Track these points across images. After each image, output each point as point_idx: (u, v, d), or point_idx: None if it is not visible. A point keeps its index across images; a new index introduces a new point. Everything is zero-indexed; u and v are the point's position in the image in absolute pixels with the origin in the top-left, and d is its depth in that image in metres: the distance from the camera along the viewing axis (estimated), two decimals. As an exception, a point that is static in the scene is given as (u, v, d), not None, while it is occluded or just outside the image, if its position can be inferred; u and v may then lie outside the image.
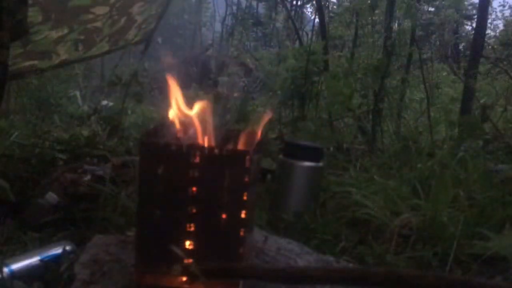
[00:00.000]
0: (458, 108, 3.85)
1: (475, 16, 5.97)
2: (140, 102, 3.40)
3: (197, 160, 1.15)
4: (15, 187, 1.99)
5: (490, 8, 6.23)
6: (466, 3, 9.17)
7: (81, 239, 1.68)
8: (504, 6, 10.78)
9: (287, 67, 3.86)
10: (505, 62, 6.04)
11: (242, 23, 10.22)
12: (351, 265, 1.60)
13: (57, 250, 1.59)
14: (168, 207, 1.18)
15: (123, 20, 3.15)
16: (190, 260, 1.15)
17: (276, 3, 9.75)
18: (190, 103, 1.26)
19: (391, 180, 2.32)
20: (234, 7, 10.57)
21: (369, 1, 3.72)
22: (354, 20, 4.98)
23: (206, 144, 1.23)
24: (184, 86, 1.28)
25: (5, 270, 1.45)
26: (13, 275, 1.46)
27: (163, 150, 1.18)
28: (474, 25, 5.63)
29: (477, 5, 3.95)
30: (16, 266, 1.49)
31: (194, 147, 1.17)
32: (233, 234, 1.17)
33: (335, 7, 7.73)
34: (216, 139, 1.28)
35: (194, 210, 1.17)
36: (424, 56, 5.37)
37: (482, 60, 4.41)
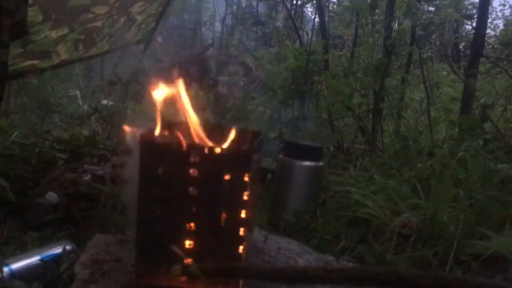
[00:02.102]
0: (458, 107, 3.85)
1: (475, 16, 5.97)
2: (140, 102, 3.39)
3: (197, 159, 1.15)
4: (15, 187, 1.99)
5: (490, 8, 6.22)
6: (466, 2, 9.16)
7: (81, 239, 1.68)
8: (504, 5, 10.75)
9: (287, 67, 3.86)
10: (505, 62, 6.03)
11: (242, 23, 10.21)
12: (351, 264, 1.60)
13: (57, 250, 1.59)
14: (168, 207, 1.18)
15: (123, 19, 3.15)
16: (190, 260, 1.15)
17: (276, 2, 9.74)
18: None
19: (391, 179, 2.32)
20: (234, 7, 10.56)
21: (369, 1, 3.72)
22: (354, 20, 4.98)
23: (206, 144, 1.23)
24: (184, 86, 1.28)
25: (5, 269, 1.45)
26: (13, 274, 1.46)
27: (163, 150, 1.18)
28: (474, 24, 5.63)
29: (477, 5, 3.95)
30: (16, 265, 1.49)
31: (194, 146, 1.17)
32: (233, 233, 1.17)
33: (335, 6, 7.72)
34: (216, 139, 1.28)
35: (194, 210, 1.17)
36: (424, 55, 5.37)
37: (482, 59, 4.41)
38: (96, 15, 2.84)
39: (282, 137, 3.24)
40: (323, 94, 3.78)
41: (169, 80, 1.25)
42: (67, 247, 1.61)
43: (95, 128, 3.47)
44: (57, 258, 1.55)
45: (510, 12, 10.98)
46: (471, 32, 7.70)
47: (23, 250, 1.69)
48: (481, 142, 2.87)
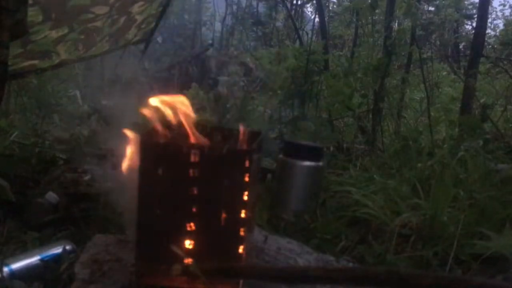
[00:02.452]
0: (458, 107, 3.84)
1: (475, 16, 5.96)
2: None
3: (197, 159, 1.15)
4: (15, 187, 1.99)
5: (490, 8, 6.22)
6: (466, 2, 9.15)
7: (81, 239, 1.68)
8: (504, 5, 10.74)
9: (287, 67, 3.86)
10: (505, 62, 6.03)
11: (242, 23, 10.21)
12: (351, 264, 1.60)
13: (57, 250, 1.59)
14: (168, 207, 1.18)
15: (123, 19, 3.15)
16: (190, 260, 1.15)
17: (276, 2, 9.74)
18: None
19: (391, 179, 2.32)
20: (234, 7, 10.56)
21: (369, 1, 3.72)
22: (354, 20, 4.98)
23: (206, 144, 1.23)
24: (184, 86, 1.28)
25: (5, 269, 1.45)
26: (13, 274, 1.46)
27: (163, 150, 1.18)
28: (474, 24, 5.63)
29: (477, 5, 3.95)
30: (16, 265, 1.49)
31: (194, 147, 1.17)
32: (233, 233, 1.17)
33: (335, 6, 7.73)
34: (216, 139, 1.28)
35: (194, 210, 1.17)
36: (424, 55, 5.35)
37: (482, 59, 4.40)
38: (96, 15, 2.83)
39: (282, 137, 3.24)
40: (323, 94, 3.78)
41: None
42: (67, 247, 1.61)
43: (95, 128, 3.46)
44: (57, 258, 1.56)
45: (510, 12, 10.99)
46: (471, 32, 7.69)
47: (23, 250, 1.69)
48: (481, 142, 2.87)
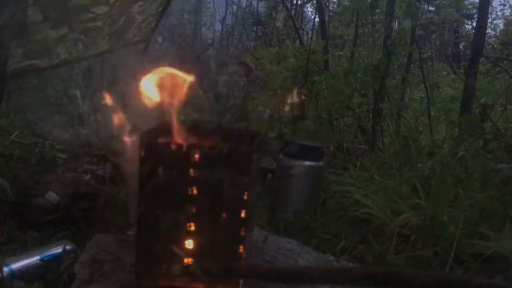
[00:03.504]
0: (458, 107, 3.85)
1: (476, 16, 5.97)
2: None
3: (197, 159, 1.15)
4: (15, 187, 1.99)
5: (490, 8, 6.22)
6: (466, 2, 9.16)
7: (81, 239, 1.68)
8: (504, 5, 10.76)
9: (287, 66, 3.87)
10: (505, 62, 6.03)
11: (242, 23, 10.23)
12: (351, 264, 1.60)
13: (57, 250, 1.59)
14: (168, 207, 1.18)
15: (123, 19, 3.15)
16: (190, 260, 1.15)
17: (276, 2, 9.75)
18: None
19: (391, 179, 2.32)
20: (234, 7, 10.58)
21: (369, 1, 3.72)
22: (354, 20, 4.98)
23: (206, 144, 1.23)
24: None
25: (5, 269, 1.45)
26: (13, 274, 1.46)
27: (163, 150, 1.18)
28: (474, 24, 5.63)
29: (478, 5, 3.95)
30: (16, 265, 1.49)
31: (194, 146, 1.17)
32: (233, 233, 1.16)
33: (335, 6, 7.73)
34: (216, 139, 1.28)
35: (194, 210, 1.17)
36: (424, 55, 5.36)
37: (482, 59, 4.41)
38: (96, 15, 2.83)
39: (282, 137, 3.24)
40: (323, 94, 3.79)
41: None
42: (67, 247, 1.61)
43: (95, 128, 3.46)
44: (57, 258, 1.56)
45: (510, 12, 11.00)
46: (471, 32, 7.70)
47: (23, 250, 1.69)
48: (481, 142, 2.87)
